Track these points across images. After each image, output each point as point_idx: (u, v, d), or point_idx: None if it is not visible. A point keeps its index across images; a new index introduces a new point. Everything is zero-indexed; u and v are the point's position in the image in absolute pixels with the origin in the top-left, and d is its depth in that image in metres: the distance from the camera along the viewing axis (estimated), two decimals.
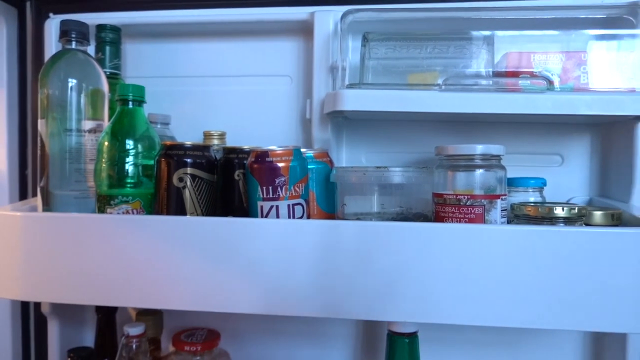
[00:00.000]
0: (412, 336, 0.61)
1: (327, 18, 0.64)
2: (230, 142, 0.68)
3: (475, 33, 0.59)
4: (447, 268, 0.46)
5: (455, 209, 0.50)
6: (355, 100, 0.56)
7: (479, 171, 0.51)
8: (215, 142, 0.67)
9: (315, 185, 0.60)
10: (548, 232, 0.45)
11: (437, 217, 0.52)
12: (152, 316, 0.69)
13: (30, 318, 0.76)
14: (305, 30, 0.69)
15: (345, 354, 0.73)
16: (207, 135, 0.67)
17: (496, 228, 0.48)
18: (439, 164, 0.54)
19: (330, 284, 0.48)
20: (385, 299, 0.48)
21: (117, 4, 0.72)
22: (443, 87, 0.55)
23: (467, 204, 0.50)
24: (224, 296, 0.51)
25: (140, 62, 0.74)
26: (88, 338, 0.74)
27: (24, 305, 0.77)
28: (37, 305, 0.74)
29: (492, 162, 0.52)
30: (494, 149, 0.51)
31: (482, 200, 0.50)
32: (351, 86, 0.58)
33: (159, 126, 0.68)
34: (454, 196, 0.51)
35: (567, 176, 0.66)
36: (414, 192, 0.58)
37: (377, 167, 0.54)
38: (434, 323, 0.48)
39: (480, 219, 0.50)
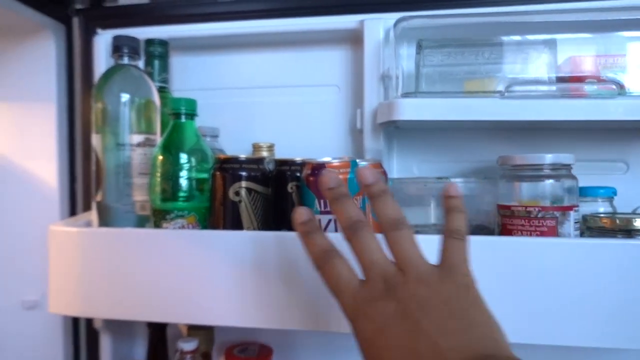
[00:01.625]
0: None
1: (377, 26, 0.62)
2: (278, 154, 0.67)
3: (534, 37, 0.57)
4: (526, 284, 0.44)
5: (524, 222, 0.48)
6: (412, 110, 0.54)
7: (549, 182, 0.49)
8: (264, 153, 0.66)
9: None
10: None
11: (504, 230, 0.50)
12: (203, 331, 0.68)
13: (81, 332, 0.77)
14: (352, 38, 0.67)
15: None
16: (256, 147, 0.67)
17: (583, 242, 0.45)
18: (504, 174, 0.52)
19: None
20: None
21: (163, 18, 0.72)
22: (505, 94, 0.53)
23: (538, 216, 0.48)
24: (282, 313, 0.50)
25: (186, 75, 0.74)
26: (139, 352, 0.74)
27: (75, 319, 0.77)
28: (89, 319, 0.74)
29: (561, 172, 0.49)
30: (564, 157, 0.49)
31: (555, 213, 0.47)
32: (406, 95, 0.57)
33: (208, 139, 0.68)
34: (523, 208, 0.48)
35: (633, 184, 0.63)
36: (474, 204, 0.56)
37: (438, 177, 0.53)
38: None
39: (553, 232, 0.47)
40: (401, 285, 0.32)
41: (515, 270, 0.45)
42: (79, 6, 0.79)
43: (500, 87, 0.54)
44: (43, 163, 0.77)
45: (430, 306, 0.30)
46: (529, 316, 0.45)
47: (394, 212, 0.35)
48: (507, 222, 0.50)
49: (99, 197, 0.60)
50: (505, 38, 0.58)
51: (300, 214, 0.39)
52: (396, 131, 0.67)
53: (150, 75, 0.68)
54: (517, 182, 0.50)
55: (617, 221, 0.46)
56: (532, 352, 0.63)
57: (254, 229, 0.55)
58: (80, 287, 0.56)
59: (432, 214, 0.58)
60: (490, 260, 0.44)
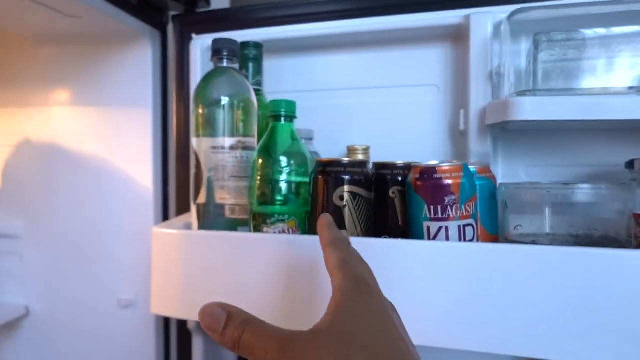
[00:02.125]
0: None
1: (485, 20, 0.59)
2: (374, 157, 0.65)
3: None
4: None
5: None
6: (531, 109, 0.50)
7: None
8: (360, 157, 0.64)
9: (480, 203, 0.54)
10: None
11: None
12: None
13: (172, 332, 0.78)
14: (454, 35, 0.64)
15: None
16: (352, 150, 0.64)
17: None
18: None
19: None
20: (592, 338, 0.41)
21: (256, 21, 0.72)
22: None
23: None
24: None
25: (280, 78, 0.73)
26: (229, 355, 0.74)
27: (167, 320, 0.79)
28: (181, 320, 0.75)
29: None
30: None
31: None
32: (522, 93, 0.52)
33: (302, 141, 0.67)
34: None
35: None
36: (600, 212, 0.51)
37: (564, 183, 0.48)
38: None
39: None
40: None
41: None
42: (174, 12, 0.81)
43: (635, 83, 0.48)
44: (139, 167, 0.80)
45: None
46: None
47: None
48: None
49: (200, 200, 0.61)
50: (630, 28, 0.53)
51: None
52: (502, 133, 0.62)
53: (245, 78, 0.68)
54: None
55: None
56: None
57: (357, 235, 0.53)
58: (181, 289, 0.56)
59: (548, 223, 0.53)
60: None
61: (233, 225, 0.60)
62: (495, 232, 0.56)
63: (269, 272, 0.52)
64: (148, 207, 0.79)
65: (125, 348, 0.79)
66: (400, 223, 0.55)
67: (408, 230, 0.53)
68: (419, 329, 0.46)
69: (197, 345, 0.70)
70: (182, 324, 0.75)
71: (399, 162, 0.55)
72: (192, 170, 0.61)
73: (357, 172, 0.53)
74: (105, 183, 0.81)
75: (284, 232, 0.55)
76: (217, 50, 0.62)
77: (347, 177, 0.53)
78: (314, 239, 0.52)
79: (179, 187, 0.77)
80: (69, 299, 0.81)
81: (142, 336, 0.78)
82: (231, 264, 0.53)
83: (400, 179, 0.54)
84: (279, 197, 0.57)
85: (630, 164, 0.49)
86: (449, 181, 0.49)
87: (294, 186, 0.57)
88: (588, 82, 0.53)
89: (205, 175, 0.60)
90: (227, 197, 0.61)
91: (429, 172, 0.50)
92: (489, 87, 0.58)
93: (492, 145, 0.60)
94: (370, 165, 0.56)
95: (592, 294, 0.41)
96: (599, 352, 0.41)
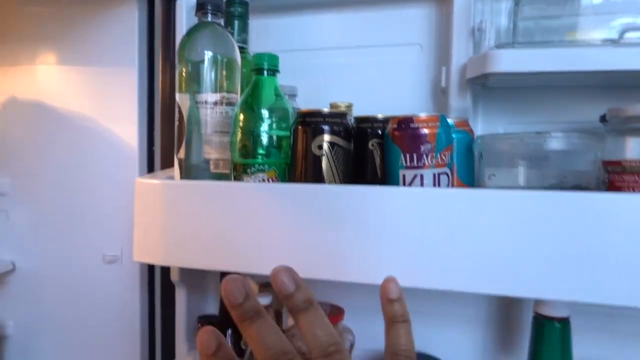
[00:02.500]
0: (564, 322, 0.55)
1: None
2: (357, 114, 0.66)
3: None
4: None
5: (638, 178, 0.44)
6: (509, 61, 0.51)
7: None
8: None
9: (457, 155, 0.55)
10: None
11: (612, 188, 0.46)
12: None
13: (156, 286, 0.80)
14: None
15: (482, 337, 0.69)
16: (334, 107, 0.65)
17: None
18: (613, 127, 0.48)
19: (500, 257, 0.44)
20: (549, 275, 0.43)
21: None
22: (620, 40, 0.48)
23: None
24: (363, 267, 0.49)
25: (265, 37, 0.74)
26: (211, 307, 0.75)
27: (151, 274, 0.80)
28: (164, 273, 0.77)
29: None
30: None
31: None
32: (502, 46, 0.53)
33: (286, 97, 0.67)
34: (637, 163, 0.44)
35: None
36: (573, 163, 0.52)
37: (538, 132, 0.49)
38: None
39: None
40: None
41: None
42: None
43: (613, 35, 0.49)
44: (124, 125, 0.80)
45: None
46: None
47: (326, 336, 0.29)
48: (616, 178, 0.46)
49: (182, 154, 0.61)
50: None
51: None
52: (482, 90, 0.63)
53: (230, 35, 0.68)
54: (630, 136, 0.45)
55: None
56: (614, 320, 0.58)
57: (336, 184, 0.54)
58: (163, 237, 0.57)
59: (523, 177, 0.54)
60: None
61: (216, 179, 0.61)
62: (471, 184, 0.57)
63: (249, 221, 0.53)
64: (133, 165, 0.80)
65: (110, 301, 0.80)
66: (378, 175, 0.56)
67: (386, 183, 0.54)
68: (395, 271, 0.47)
69: (180, 297, 0.72)
70: (165, 277, 0.76)
71: (380, 115, 0.56)
72: (176, 124, 0.62)
73: (336, 123, 0.54)
74: (91, 142, 0.81)
75: (263, 181, 0.56)
76: (201, 4, 0.62)
77: (326, 127, 0.54)
78: (294, 187, 0.53)
79: (164, 146, 0.78)
80: (55, 255, 0.82)
81: (126, 290, 0.79)
82: (212, 212, 0.54)
83: (380, 132, 0.55)
84: (260, 150, 0.57)
85: (603, 118, 0.50)
86: (426, 130, 0.50)
87: (275, 139, 0.58)
88: (567, 37, 0.54)
89: (188, 130, 0.60)
90: (211, 151, 0.61)
91: (406, 122, 0.51)
92: (470, 44, 0.59)
93: (472, 101, 0.61)
94: (352, 120, 0.57)
95: (562, 236, 0.42)
96: (572, 288, 0.42)
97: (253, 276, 0.70)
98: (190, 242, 0.55)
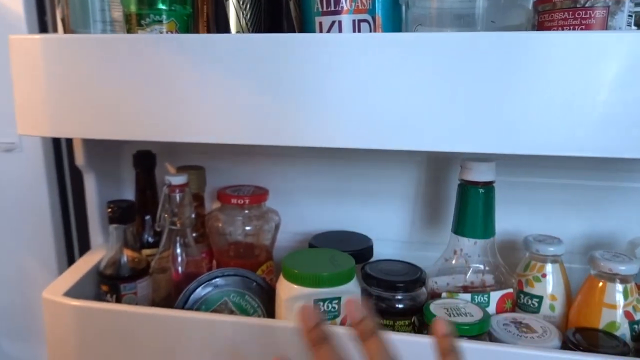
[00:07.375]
0: (488, 186, 0.54)
1: None
2: None
3: None
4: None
5: (568, 14, 0.40)
6: None
7: None
8: None
9: (381, 8, 0.49)
10: None
11: (540, 29, 0.42)
12: (194, 171, 0.63)
13: (65, 171, 0.73)
14: None
15: (406, 211, 0.68)
16: None
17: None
18: None
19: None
20: (477, 125, 0.39)
21: None
22: None
23: (586, 5, 0.39)
24: (286, 128, 0.43)
25: None
26: (127, 195, 0.70)
27: (58, 160, 0.72)
28: (71, 159, 0.69)
29: None
30: None
31: (607, 0, 0.39)
32: None
33: None
34: None
35: None
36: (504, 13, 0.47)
37: None
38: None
39: (602, 24, 0.39)
40: None
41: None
42: None
43: None
44: None
45: None
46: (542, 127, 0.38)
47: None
48: (545, 19, 0.42)
49: (61, 14, 0.52)
50: None
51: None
52: None
53: None
54: None
55: None
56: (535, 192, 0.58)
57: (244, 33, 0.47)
58: (49, 105, 0.49)
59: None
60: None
61: None
62: None
63: (145, 79, 0.45)
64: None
65: (16, 195, 0.73)
66: (295, 29, 0.50)
67: None
68: (315, 132, 0.43)
69: (89, 184, 0.66)
70: (73, 162, 0.68)
71: None
72: None
73: None
74: None
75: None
76: None
77: None
78: (201, 38, 0.46)
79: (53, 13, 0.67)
80: None
81: (32, 180, 0.72)
82: (100, 71, 0.46)
83: None
84: None
85: None
86: None
87: None
88: None
89: None
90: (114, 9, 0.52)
91: None
92: None
93: None
94: None
95: (491, 82, 0.39)
96: (499, 139, 0.40)
97: (157, 144, 0.63)
98: (82, 109, 0.48)
